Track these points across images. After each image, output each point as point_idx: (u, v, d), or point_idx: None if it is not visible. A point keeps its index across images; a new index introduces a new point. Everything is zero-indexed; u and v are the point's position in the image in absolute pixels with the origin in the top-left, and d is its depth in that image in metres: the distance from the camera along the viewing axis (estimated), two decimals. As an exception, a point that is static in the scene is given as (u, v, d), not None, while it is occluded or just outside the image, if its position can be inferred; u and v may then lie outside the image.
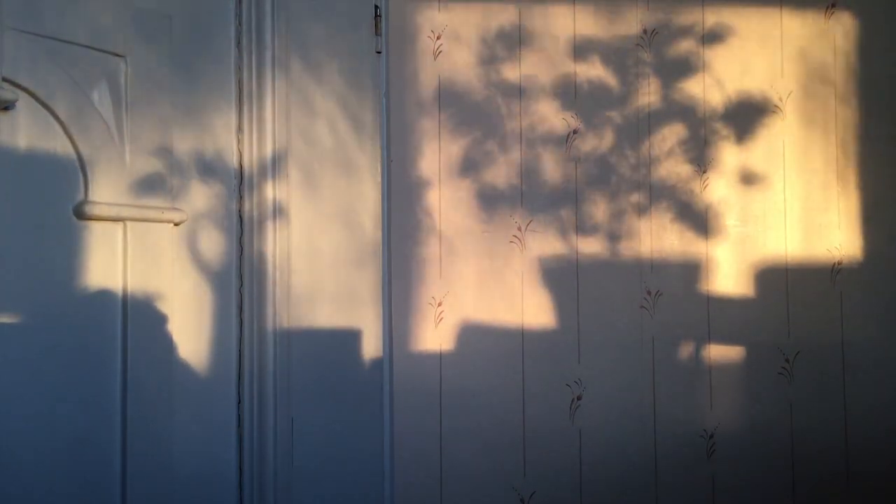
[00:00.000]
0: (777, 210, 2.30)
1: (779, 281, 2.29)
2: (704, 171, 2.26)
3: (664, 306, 2.20)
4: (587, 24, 2.19)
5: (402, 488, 1.97)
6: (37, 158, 1.56)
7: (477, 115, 2.10)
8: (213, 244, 1.83)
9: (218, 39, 1.87)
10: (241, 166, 1.88)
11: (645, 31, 2.24)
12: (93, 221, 1.63)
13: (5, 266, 1.51)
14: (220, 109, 1.86)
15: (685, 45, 2.27)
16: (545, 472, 2.08)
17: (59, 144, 1.59)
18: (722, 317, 2.24)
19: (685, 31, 2.27)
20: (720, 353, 2.24)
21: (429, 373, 2.01)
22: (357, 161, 1.99)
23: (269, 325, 1.84)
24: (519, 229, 2.10)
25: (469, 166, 2.08)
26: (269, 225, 1.85)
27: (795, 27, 2.34)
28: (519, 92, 2.13)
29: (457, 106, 2.08)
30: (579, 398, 2.13)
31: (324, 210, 1.94)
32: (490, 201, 2.09)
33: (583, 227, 2.15)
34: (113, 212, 1.64)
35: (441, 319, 2.02)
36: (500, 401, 2.06)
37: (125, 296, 1.67)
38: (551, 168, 2.14)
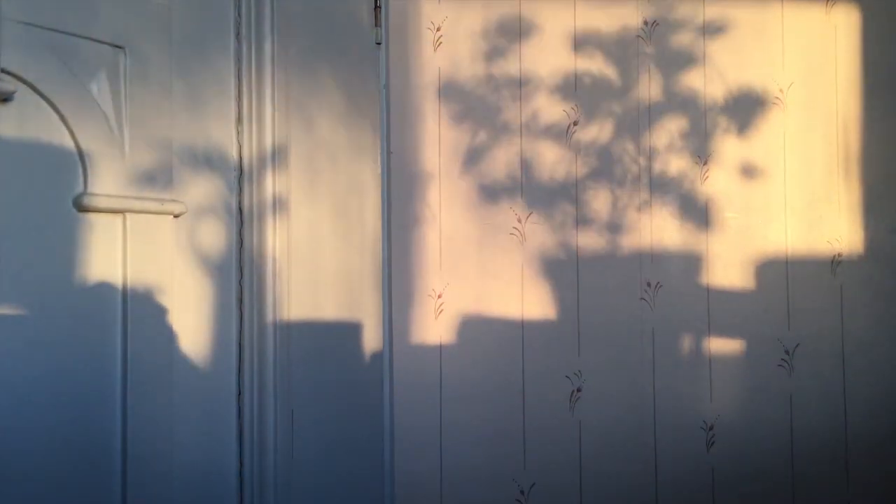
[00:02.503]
0: (777, 202, 2.30)
1: (779, 273, 2.29)
2: (705, 163, 2.26)
3: (664, 298, 2.20)
4: (588, 16, 2.18)
5: (402, 479, 1.97)
6: (36, 150, 1.56)
7: (477, 106, 2.09)
8: (212, 236, 1.83)
9: (217, 30, 1.86)
10: (240, 158, 1.87)
11: (646, 23, 2.23)
12: (92, 213, 1.63)
13: (4, 258, 1.51)
14: (220, 101, 1.86)
15: (686, 37, 2.26)
16: (545, 463, 2.09)
17: (58, 136, 1.59)
18: (722, 309, 2.24)
19: (686, 23, 2.26)
20: (720, 345, 2.24)
21: (429, 365, 2.01)
22: (357, 153, 1.99)
23: (269, 318, 1.84)
24: (519, 221, 2.10)
25: (469, 158, 2.08)
26: (269, 217, 1.85)
27: (796, 19, 2.33)
28: (519, 83, 2.12)
29: (457, 97, 2.07)
30: (579, 390, 2.13)
31: (323, 202, 1.94)
32: (490, 193, 2.09)
33: (583, 219, 2.15)
34: (112, 204, 1.64)
35: (441, 311, 2.02)
36: (500, 393, 2.07)
37: (125, 288, 1.67)
38: (552, 160, 2.14)
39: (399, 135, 2.02)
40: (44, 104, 1.57)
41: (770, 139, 2.30)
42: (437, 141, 2.05)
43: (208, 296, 1.82)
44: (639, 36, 2.22)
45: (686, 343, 2.22)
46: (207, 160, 1.82)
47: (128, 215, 1.67)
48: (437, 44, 2.06)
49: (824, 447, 2.30)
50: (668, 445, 2.19)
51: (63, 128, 1.60)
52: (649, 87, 2.22)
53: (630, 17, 2.22)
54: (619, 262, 2.17)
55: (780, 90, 2.31)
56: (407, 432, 1.98)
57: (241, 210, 1.87)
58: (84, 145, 1.61)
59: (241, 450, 1.85)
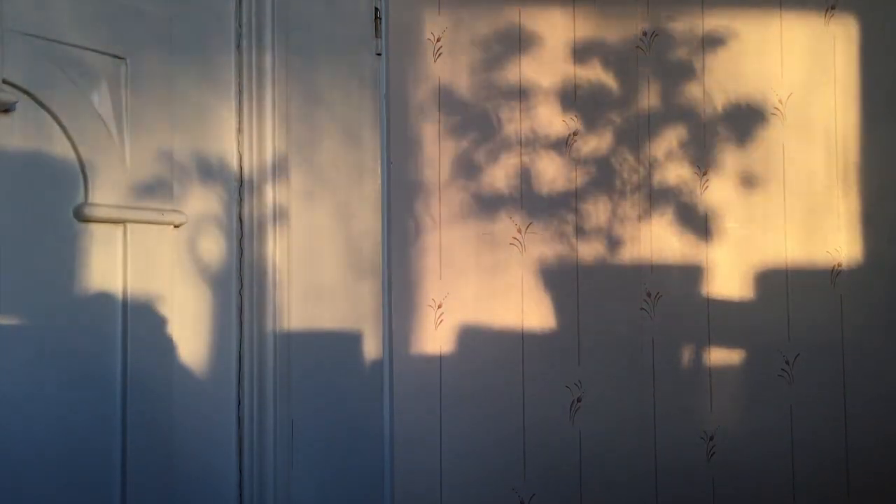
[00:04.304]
0: (777, 212, 2.30)
1: (779, 283, 2.29)
2: (705, 174, 2.26)
3: (664, 308, 2.20)
4: (587, 26, 2.19)
5: (403, 489, 1.97)
6: (37, 160, 1.57)
7: (477, 116, 2.10)
8: (213, 246, 1.83)
9: (218, 41, 1.87)
10: (241, 169, 1.88)
11: (645, 34, 2.24)
12: (93, 223, 1.63)
13: (5, 268, 1.51)
14: (221, 112, 1.86)
15: (685, 48, 2.27)
16: (545, 473, 2.08)
17: (59, 146, 1.59)
18: (722, 319, 2.24)
19: (685, 34, 2.27)
20: (720, 355, 2.24)
21: (429, 374, 2.01)
22: (357, 163, 1.99)
23: (269, 328, 1.84)
24: (519, 231, 2.10)
25: (469, 168, 2.08)
26: (270, 227, 1.85)
27: (795, 30, 2.34)
28: (519, 94, 2.13)
29: (457, 108, 2.08)
30: (579, 400, 2.13)
31: (324, 212, 1.94)
32: (490, 203, 2.09)
33: (583, 230, 2.15)
34: (113, 214, 1.64)
35: (441, 321, 2.02)
36: (500, 403, 2.06)
37: (125, 298, 1.67)
38: (551, 170, 2.14)
39: (399, 145, 2.02)
40: (45, 114, 1.57)
41: (769, 150, 2.31)
42: (437, 151, 2.06)
43: (208, 306, 1.82)
44: (638, 47, 2.23)
45: (686, 353, 2.22)
46: (208, 170, 1.83)
47: (128, 225, 1.67)
48: (438, 54, 2.07)
49: (825, 457, 2.29)
50: (668, 455, 2.18)
51: (64, 138, 1.60)
52: (649, 98, 2.23)
53: (629, 29, 2.23)
54: (619, 273, 2.18)
55: (780, 101, 2.32)
56: (407, 442, 1.98)
57: (241, 220, 1.87)
58: (85, 155, 1.62)
59: (240, 459, 1.85)
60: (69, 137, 1.60)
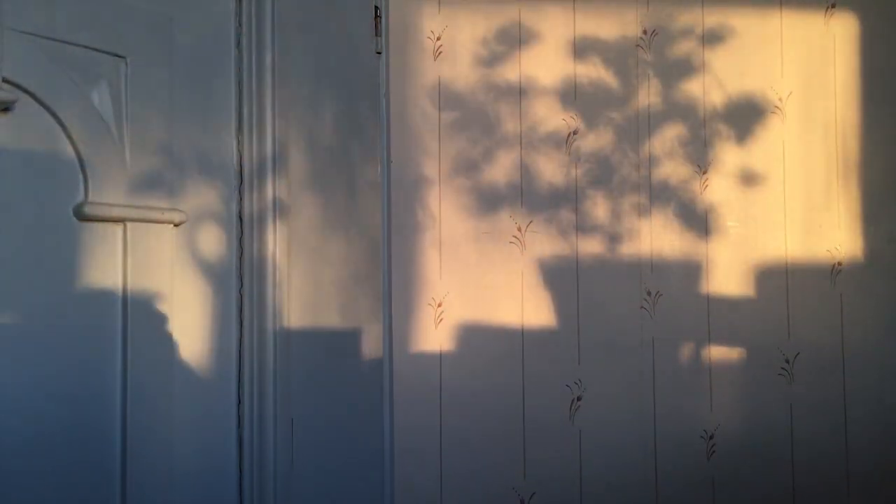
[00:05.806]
0: (777, 210, 2.30)
1: (779, 281, 2.29)
2: (705, 172, 2.26)
3: (664, 307, 2.20)
4: (587, 25, 2.19)
5: (402, 488, 1.97)
6: (36, 159, 1.56)
7: (477, 115, 2.10)
8: (213, 244, 1.83)
9: (218, 40, 1.87)
10: (241, 167, 1.88)
11: (645, 32, 2.24)
12: (93, 222, 1.63)
13: (5, 267, 1.51)
14: (220, 110, 1.86)
15: (685, 46, 2.27)
16: (545, 472, 2.09)
17: (58, 145, 1.59)
18: (722, 317, 2.24)
19: (685, 32, 2.27)
20: (720, 353, 2.24)
21: (429, 373, 2.01)
22: (357, 161, 1.99)
23: (269, 326, 1.84)
24: (519, 230, 2.10)
25: (469, 166, 2.08)
26: (270, 225, 1.85)
27: (795, 28, 2.34)
28: (519, 92, 2.13)
29: (457, 106, 2.08)
30: (579, 399, 2.13)
31: (324, 210, 1.94)
32: (490, 202, 2.09)
33: (583, 228, 2.15)
34: (113, 212, 1.64)
35: (441, 320, 2.02)
36: (500, 401, 2.06)
37: (125, 296, 1.67)
38: (551, 168, 2.14)
39: (399, 143, 2.02)
40: (45, 113, 1.57)
41: (769, 148, 2.31)
42: (438, 149, 2.05)
43: (208, 304, 1.82)
44: (638, 45, 2.23)
45: (686, 352, 2.22)
46: (208, 169, 1.82)
47: (128, 224, 1.67)
48: (437, 53, 2.07)
49: (824, 456, 2.29)
50: (668, 454, 2.18)
51: (64, 137, 1.60)
52: (649, 96, 2.23)
53: (629, 26, 2.23)
54: (620, 271, 2.18)
55: (780, 99, 2.32)
56: (407, 441, 1.98)
57: (241, 218, 1.87)
58: (85, 154, 1.61)
59: (240, 458, 1.85)
60: (69, 136, 1.60)
